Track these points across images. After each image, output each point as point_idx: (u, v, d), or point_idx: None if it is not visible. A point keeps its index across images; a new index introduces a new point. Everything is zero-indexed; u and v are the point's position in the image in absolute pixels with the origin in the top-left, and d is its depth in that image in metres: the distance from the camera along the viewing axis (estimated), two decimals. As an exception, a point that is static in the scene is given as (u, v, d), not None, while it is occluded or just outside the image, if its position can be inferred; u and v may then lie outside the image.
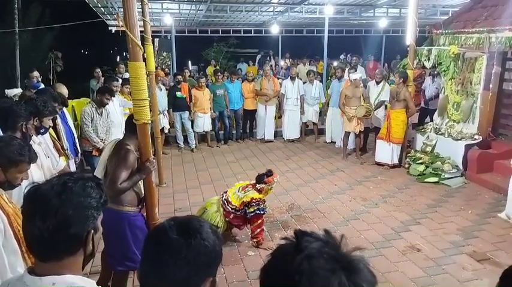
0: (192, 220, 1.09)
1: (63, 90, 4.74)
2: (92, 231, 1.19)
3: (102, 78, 7.78)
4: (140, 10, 5.26)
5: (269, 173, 4.35)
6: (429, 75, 8.66)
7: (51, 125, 3.64)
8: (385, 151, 6.98)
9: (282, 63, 15.91)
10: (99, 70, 8.39)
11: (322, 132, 8.98)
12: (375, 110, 7.31)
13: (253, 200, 4.14)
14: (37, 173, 2.62)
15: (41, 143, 3.19)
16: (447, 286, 3.60)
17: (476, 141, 6.47)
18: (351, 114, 7.14)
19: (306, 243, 0.79)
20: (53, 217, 1.11)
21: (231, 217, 4.18)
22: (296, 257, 0.76)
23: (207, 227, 1.07)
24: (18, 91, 5.19)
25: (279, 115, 9.10)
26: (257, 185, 4.27)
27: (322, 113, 9.13)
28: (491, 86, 6.49)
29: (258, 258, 4.07)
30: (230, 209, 4.14)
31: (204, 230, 1.04)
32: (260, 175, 4.34)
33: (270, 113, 8.77)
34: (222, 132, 8.83)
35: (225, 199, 4.23)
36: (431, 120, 8.31)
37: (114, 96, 5.21)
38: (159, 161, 6.03)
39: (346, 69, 9.10)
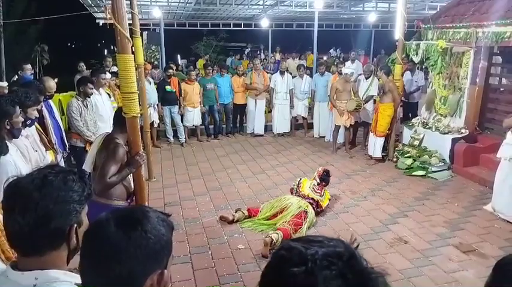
0: (136, 210, 1.03)
1: (51, 83, 4.66)
2: (75, 225, 1.16)
3: (87, 72, 7.67)
4: (128, 2, 5.20)
5: (329, 174, 5.16)
6: (407, 70, 8.71)
7: (37, 116, 3.57)
8: (371, 143, 7.08)
9: (277, 56, 15.85)
10: (82, 64, 8.27)
11: (311, 126, 9.00)
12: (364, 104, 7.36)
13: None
14: (25, 167, 2.59)
15: (29, 136, 3.15)
16: (434, 277, 3.67)
17: (463, 135, 6.57)
18: (342, 108, 7.18)
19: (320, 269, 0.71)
20: (33, 212, 1.09)
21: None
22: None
23: (153, 217, 1.00)
24: (4, 84, 5.11)
25: (269, 109, 9.10)
26: (326, 187, 5.10)
27: (311, 108, 9.16)
28: (477, 80, 6.58)
29: (248, 251, 4.09)
30: (316, 209, 4.83)
31: (147, 221, 0.97)
32: (324, 178, 5.09)
33: (260, 107, 8.76)
34: (212, 126, 8.81)
35: (314, 203, 4.81)
36: (413, 114, 8.43)
37: (93, 83, 5.14)
38: (149, 155, 5.99)
39: (336, 63, 9.13)
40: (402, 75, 8.86)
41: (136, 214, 1.00)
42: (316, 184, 5.00)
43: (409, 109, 8.88)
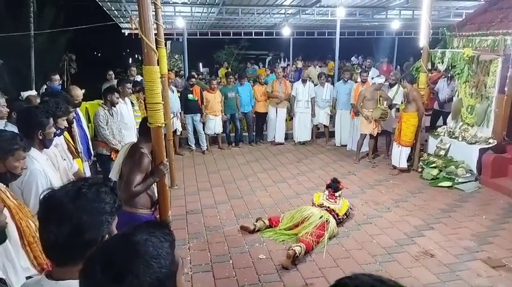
0: (123, 250, 0.91)
1: (78, 92, 4.79)
2: (107, 236, 1.20)
3: (115, 81, 7.86)
4: (154, 13, 5.31)
5: (337, 181, 5.13)
6: (443, 77, 8.58)
7: (66, 126, 3.69)
8: (395, 153, 6.93)
9: (299, 64, 15.86)
10: (111, 73, 8.48)
11: (333, 135, 8.92)
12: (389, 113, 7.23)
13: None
14: (54, 176, 2.67)
15: (58, 145, 3.24)
16: (461, 292, 3.55)
17: (490, 145, 6.37)
18: (369, 116, 7.08)
19: None
20: (67, 223, 1.13)
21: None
22: None
23: (145, 250, 0.91)
24: (34, 93, 5.28)
25: (290, 117, 9.08)
26: (336, 194, 5.00)
27: (333, 116, 9.07)
28: (506, 89, 6.38)
29: (269, 262, 4.07)
30: (337, 218, 4.78)
31: (138, 263, 0.88)
32: (330, 184, 5.08)
33: (281, 116, 8.76)
34: (233, 134, 8.85)
35: (333, 213, 4.76)
36: (445, 123, 8.22)
37: (119, 92, 5.32)
38: (171, 163, 6.06)
39: (358, 71, 9.03)
40: (435, 83, 8.71)
41: (123, 256, 0.89)
42: (327, 193, 5.02)
43: (438, 118, 8.65)
